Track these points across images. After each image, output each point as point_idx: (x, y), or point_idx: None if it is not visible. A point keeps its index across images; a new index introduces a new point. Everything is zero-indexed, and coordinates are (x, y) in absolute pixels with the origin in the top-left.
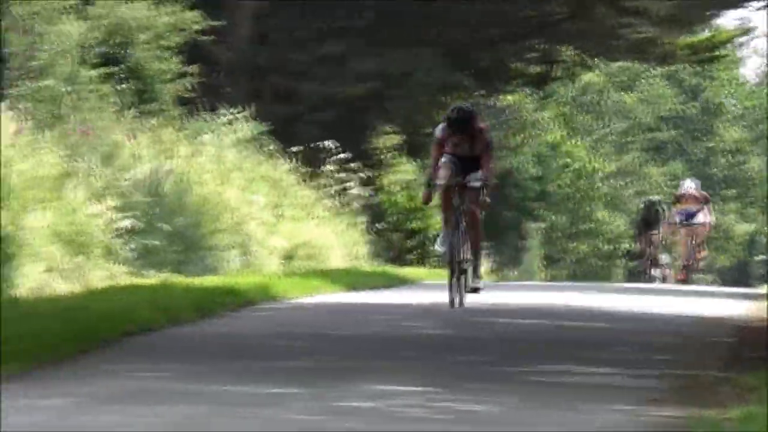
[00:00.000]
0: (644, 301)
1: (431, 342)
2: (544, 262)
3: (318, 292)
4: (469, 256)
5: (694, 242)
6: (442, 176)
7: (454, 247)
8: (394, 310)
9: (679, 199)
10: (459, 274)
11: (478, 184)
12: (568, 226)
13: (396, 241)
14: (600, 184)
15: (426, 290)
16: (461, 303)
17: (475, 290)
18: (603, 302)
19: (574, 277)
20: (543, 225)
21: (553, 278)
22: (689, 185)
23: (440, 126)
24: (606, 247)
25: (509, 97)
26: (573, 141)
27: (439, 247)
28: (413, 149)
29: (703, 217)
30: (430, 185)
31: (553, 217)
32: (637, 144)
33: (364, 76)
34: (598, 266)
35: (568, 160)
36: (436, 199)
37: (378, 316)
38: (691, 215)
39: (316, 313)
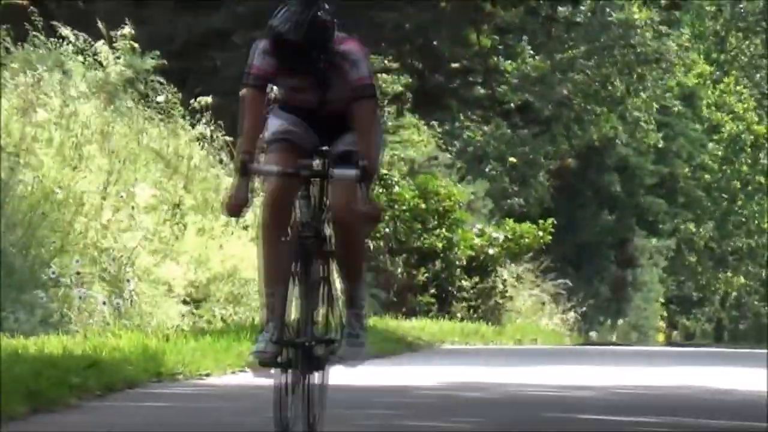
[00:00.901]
0: None
1: None
2: (671, 310)
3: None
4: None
5: None
6: (273, 160)
7: (291, 327)
8: (395, 399)
9: None
10: (303, 372)
11: (352, 172)
12: (715, 241)
13: (397, 271)
14: None
15: (452, 361)
16: (310, 425)
17: (349, 359)
18: None
19: (727, 335)
20: (668, 241)
21: (689, 339)
22: None
23: (260, 47)
24: None
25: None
26: (725, 85)
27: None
28: (428, 101)
29: None
30: (246, 175)
31: (689, 227)
32: None
33: None
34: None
35: (716, 119)
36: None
37: (366, 411)
38: None
39: (249, 405)
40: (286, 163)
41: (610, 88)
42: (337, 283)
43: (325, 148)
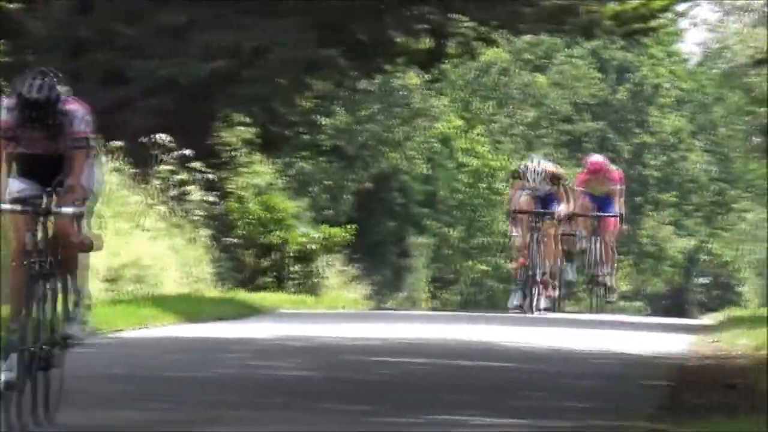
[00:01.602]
0: (557, 335)
1: (295, 386)
2: (433, 286)
3: (150, 324)
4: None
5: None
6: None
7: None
8: (246, 347)
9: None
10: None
11: (69, 210)
12: (463, 239)
13: (248, 259)
14: (504, 187)
15: (285, 321)
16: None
17: (71, 334)
18: (507, 336)
19: (469, 304)
20: (432, 239)
21: (444, 306)
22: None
23: (4, 105)
24: (510, 265)
25: (395, 80)
26: (471, 134)
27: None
28: (270, 145)
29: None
30: None
31: (446, 230)
32: (550, 138)
33: (210, 53)
34: (499, 290)
35: (465, 157)
36: None
37: (226, 355)
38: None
39: (148, 350)
40: (20, 224)
41: (393, 134)
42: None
43: (49, 189)
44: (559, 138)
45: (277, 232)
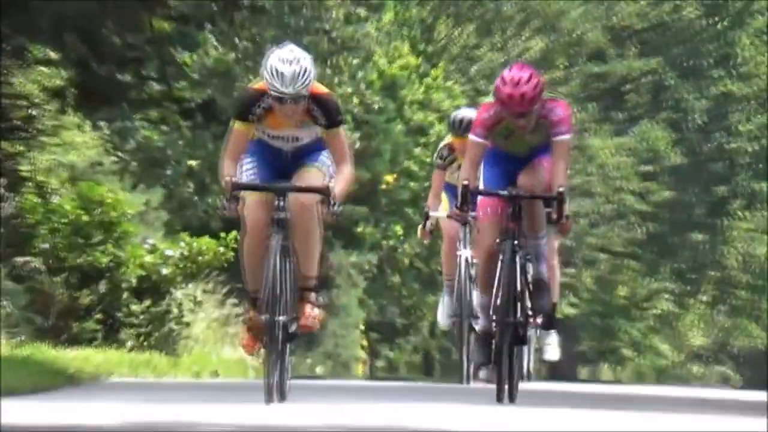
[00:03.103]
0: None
1: None
2: (372, 337)
3: None
4: None
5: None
6: None
7: None
8: None
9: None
10: None
11: None
12: (422, 258)
13: (56, 293)
14: None
15: (118, 398)
16: None
17: None
18: (486, 423)
19: (435, 368)
20: (368, 257)
21: (392, 371)
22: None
23: None
24: None
25: None
26: (432, 78)
27: None
28: (93, 98)
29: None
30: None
31: (391, 241)
32: (569, 85)
33: None
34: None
35: (422, 117)
36: None
37: None
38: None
39: None
40: None
41: None
42: None
43: None
44: (585, 85)
45: (107, 246)
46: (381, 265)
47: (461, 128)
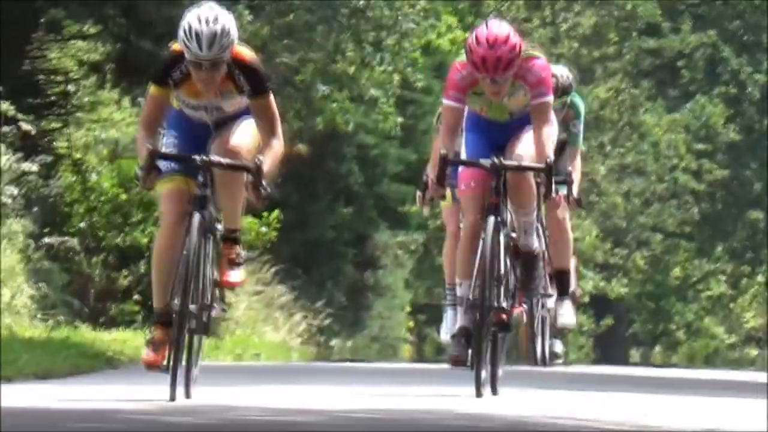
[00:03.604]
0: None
1: None
2: (419, 320)
3: None
4: None
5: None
6: None
7: None
8: (105, 423)
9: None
10: None
11: None
12: None
13: (93, 274)
14: None
15: (158, 381)
16: None
17: None
18: (548, 408)
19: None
20: (415, 237)
21: (438, 354)
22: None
23: None
24: None
25: None
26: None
27: None
28: (133, 72)
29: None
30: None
31: (439, 221)
32: (620, 61)
33: None
34: None
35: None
36: None
37: None
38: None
39: None
40: None
41: (341, 60)
42: None
43: None
44: (638, 60)
45: (146, 226)
46: (428, 245)
47: None
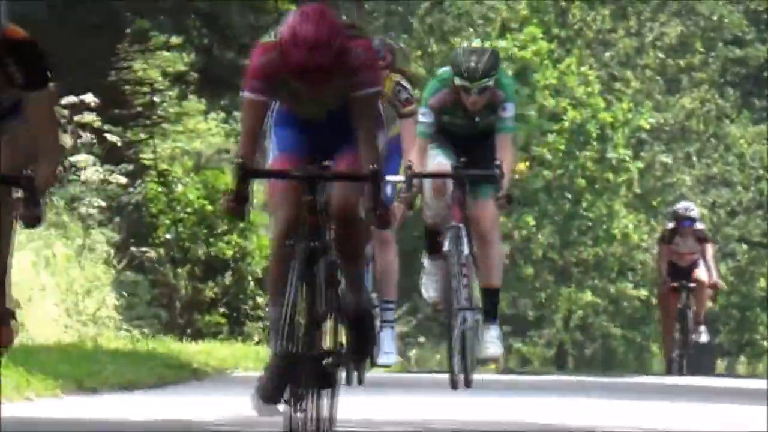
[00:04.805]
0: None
1: None
2: (503, 331)
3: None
4: None
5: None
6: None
7: None
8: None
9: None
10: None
11: None
12: (556, 249)
13: (179, 285)
14: (627, 159)
15: (239, 392)
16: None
17: None
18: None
19: (571, 361)
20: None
21: (525, 365)
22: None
23: None
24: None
25: None
26: (565, 65)
27: None
28: (218, 84)
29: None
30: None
31: (523, 231)
32: (706, 71)
33: None
34: (621, 338)
35: (554, 103)
36: None
37: None
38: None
39: None
40: None
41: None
42: None
43: None
44: (724, 70)
45: (232, 237)
46: (513, 255)
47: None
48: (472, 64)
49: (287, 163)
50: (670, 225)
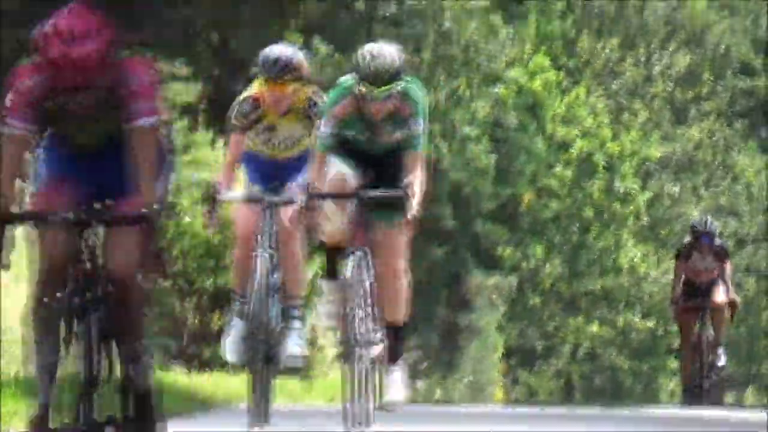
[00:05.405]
0: None
1: None
2: (510, 362)
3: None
4: None
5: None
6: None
7: None
8: None
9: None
10: None
11: None
12: (564, 280)
13: (186, 315)
14: (635, 189)
15: (246, 423)
16: None
17: None
18: None
19: (579, 393)
20: (508, 278)
21: (531, 396)
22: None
23: None
24: (649, 324)
25: None
26: (574, 96)
27: None
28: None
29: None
30: None
31: (531, 262)
32: (713, 101)
33: None
34: (628, 368)
35: (563, 132)
36: None
37: None
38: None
39: None
40: None
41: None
42: None
43: None
44: (732, 101)
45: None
46: (521, 286)
47: (277, 69)
48: (377, 67)
49: (52, 200)
50: (688, 239)
